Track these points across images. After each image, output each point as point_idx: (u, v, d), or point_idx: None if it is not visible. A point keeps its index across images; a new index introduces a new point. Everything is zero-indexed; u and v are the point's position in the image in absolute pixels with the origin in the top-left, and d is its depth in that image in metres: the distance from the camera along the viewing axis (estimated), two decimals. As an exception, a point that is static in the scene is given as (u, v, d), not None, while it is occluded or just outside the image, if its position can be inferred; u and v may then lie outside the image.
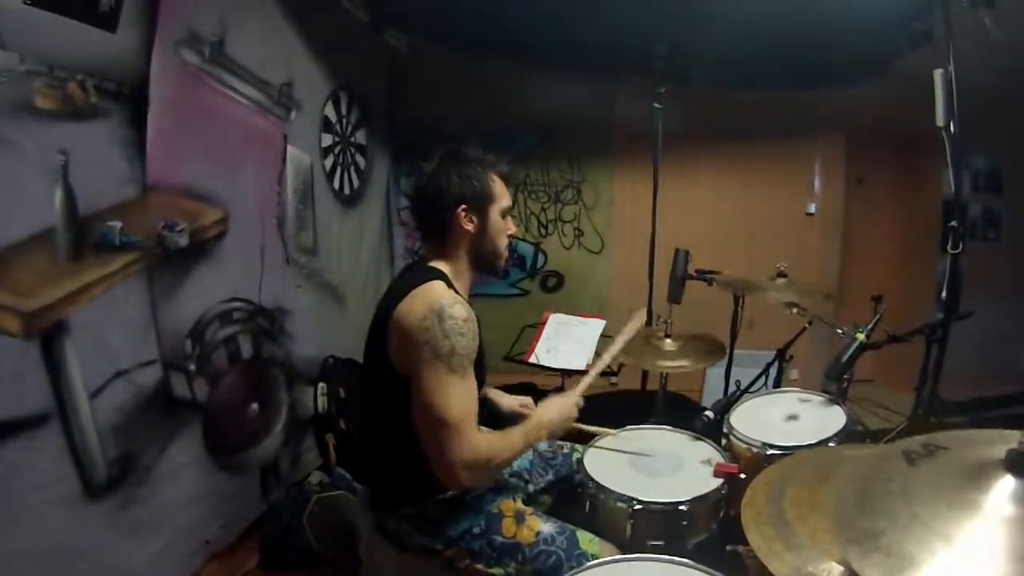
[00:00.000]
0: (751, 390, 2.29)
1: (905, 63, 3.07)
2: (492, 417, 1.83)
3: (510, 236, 1.68)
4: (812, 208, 4.61)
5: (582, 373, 2.67)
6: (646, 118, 3.03)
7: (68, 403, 1.68)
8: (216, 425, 2.34)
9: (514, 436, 1.54)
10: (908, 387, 2.96)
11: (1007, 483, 0.85)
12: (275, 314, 2.80)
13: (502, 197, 1.64)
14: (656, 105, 2.97)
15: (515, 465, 1.83)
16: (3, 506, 1.50)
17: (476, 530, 1.55)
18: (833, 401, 2.02)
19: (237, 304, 2.52)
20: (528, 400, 1.97)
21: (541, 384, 3.83)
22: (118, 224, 1.86)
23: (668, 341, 2.48)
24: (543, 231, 4.84)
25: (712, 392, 4.09)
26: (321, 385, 3.16)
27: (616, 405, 3.14)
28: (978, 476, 0.88)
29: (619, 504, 1.68)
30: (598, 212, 4.77)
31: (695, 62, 3.52)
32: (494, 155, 1.65)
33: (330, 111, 3.41)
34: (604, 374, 2.04)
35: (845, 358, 1.98)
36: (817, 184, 4.61)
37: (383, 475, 1.62)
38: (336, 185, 3.56)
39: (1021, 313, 4.27)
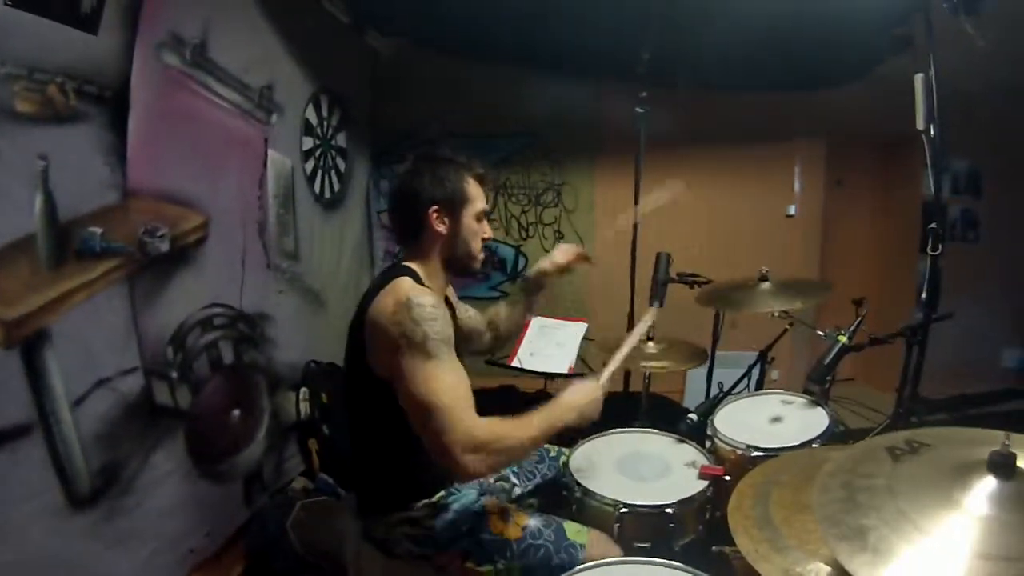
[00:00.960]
0: (734, 392, 2.32)
1: (886, 67, 3.13)
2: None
3: (486, 239, 1.67)
4: (792, 210, 4.68)
5: (565, 376, 2.69)
6: (628, 121, 3.04)
7: (50, 413, 1.65)
8: (199, 432, 2.31)
9: (528, 418, 1.45)
10: (889, 386, 3.02)
11: (989, 483, 0.88)
12: (256, 319, 2.77)
13: (477, 199, 1.63)
14: (639, 109, 2.99)
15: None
16: (-13, 519, 1.48)
17: (463, 530, 1.55)
18: (816, 403, 2.05)
19: (218, 310, 2.49)
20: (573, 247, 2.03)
21: (523, 387, 3.86)
22: (99, 230, 1.83)
23: (651, 344, 2.51)
24: (524, 234, 4.84)
25: (693, 394, 4.13)
26: (303, 390, 3.13)
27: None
28: (961, 475, 0.91)
29: (605, 507, 1.69)
30: (579, 215, 4.79)
31: (678, 66, 3.55)
32: (469, 156, 1.65)
33: (311, 114, 3.39)
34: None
35: (827, 360, 2.01)
36: (797, 186, 4.68)
37: (369, 481, 1.61)
38: (317, 189, 3.54)
39: (1000, 313, 4.40)
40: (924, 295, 2.32)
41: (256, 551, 2.48)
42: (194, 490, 2.29)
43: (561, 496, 1.86)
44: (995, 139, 4.12)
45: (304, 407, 3.11)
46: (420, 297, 1.41)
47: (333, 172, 3.75)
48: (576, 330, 2.82)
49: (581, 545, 1.53)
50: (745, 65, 3.71)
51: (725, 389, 2.28)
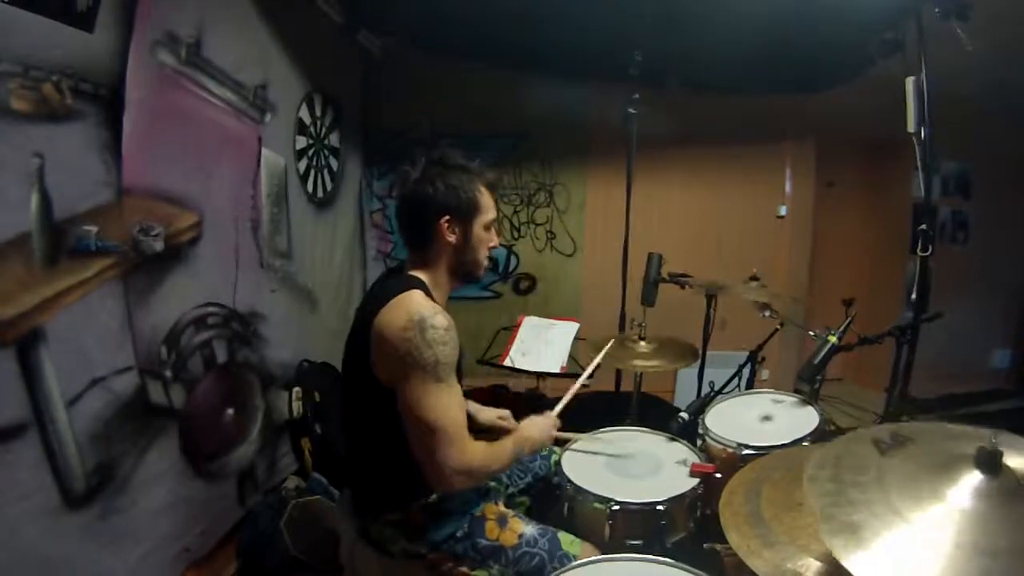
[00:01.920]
0: (724, 391, 2.34)
1: (876, 70, 3.16)
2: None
3: (492, 247, 1.64)
4: (783, 211, 4.73)
5: (557, 376, 2.70)
6: (620, 122, 3.06)
7: (45, 412, 1.64)
8: (193, 431, 2.31)
9: (505, 446, 1.58)
10: (878, 385, 3.06)
11: (974, 478, 0.91)
12: (249, 318, 2.77)
13: (488, 210, 1.60)
14: (631, 110, 3.00)
15: None
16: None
17: (459, 533, 1.56)
18: (806, 402, 2.07)
19: (212, 309, 2.49)
20: (506, 412, 2.00)
21: (515, 387, 3.88)
22: (94, 229, 1.82)
23: (642, 343, 2.53)
24: (516, 234, 4.86)
25: (684, 393, 4.17)
26: (296, 389, 3.13)
27: (590, 407, 3.17)
28: (948, 470, 0.93)
29: (597, 505, 1.71)
30: (570, 215, 4.82)
31: (671, 68, 3.58)
32: (481, 162, 1.60)
33: (304, 113, 3.38)
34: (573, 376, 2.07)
35: (817, 360, 2.03)
36: (788, 187, 4.73)
37: (366, 481, 1.62)
38: (310, 188, 3.53)
39: (989, 313, 4.47)
40: (914, 295, 2.35)
41: (249, 550, 2.48)
42: (188, 489, 2.28)
43: (553, 495, 1.88)
44: (984, 141, 4.18)
45: (297, 406, 3.11)
46: (435, 318, 1.41)
47: (326, 171, 3.75)
48: (568, 329, 2.84)
49: (574, 556, 1.54)
50: (737, 67, 3.74)
51: (716, 388, 2.29)
